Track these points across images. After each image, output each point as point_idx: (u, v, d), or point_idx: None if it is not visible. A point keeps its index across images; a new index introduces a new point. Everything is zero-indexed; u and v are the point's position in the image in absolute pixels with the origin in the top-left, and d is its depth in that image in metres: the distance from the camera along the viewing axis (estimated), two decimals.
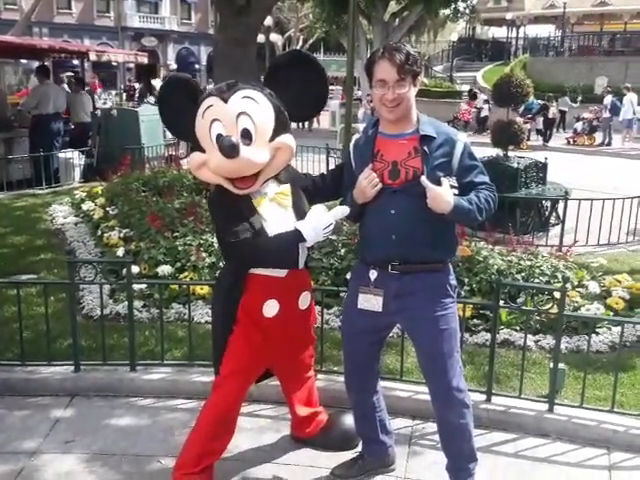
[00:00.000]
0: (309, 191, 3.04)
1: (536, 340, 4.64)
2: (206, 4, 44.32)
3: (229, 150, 2.64)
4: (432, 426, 3.64)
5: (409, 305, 2.83)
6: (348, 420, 3.47)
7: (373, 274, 2.85)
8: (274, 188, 2.89)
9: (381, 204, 2.78)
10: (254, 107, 2.76)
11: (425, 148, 2.74)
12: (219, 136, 2.69)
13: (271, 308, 2.91)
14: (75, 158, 10.70)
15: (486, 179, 2.86)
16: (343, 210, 2.85)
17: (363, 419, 3.21)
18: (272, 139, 2.79)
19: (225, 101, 2.75)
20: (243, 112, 2.72)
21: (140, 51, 23.73)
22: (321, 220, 2.77)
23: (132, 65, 20.25)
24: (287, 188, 2.93)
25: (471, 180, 2.81)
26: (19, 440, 3.52)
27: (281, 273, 2.89)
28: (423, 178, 2.67)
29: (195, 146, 2.88)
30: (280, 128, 2.84)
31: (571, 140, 20.85)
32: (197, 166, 2.85)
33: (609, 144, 20.33)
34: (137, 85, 16.75)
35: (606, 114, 20.60)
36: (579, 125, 21.19)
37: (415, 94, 2.79)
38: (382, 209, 2.78)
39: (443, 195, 2.66)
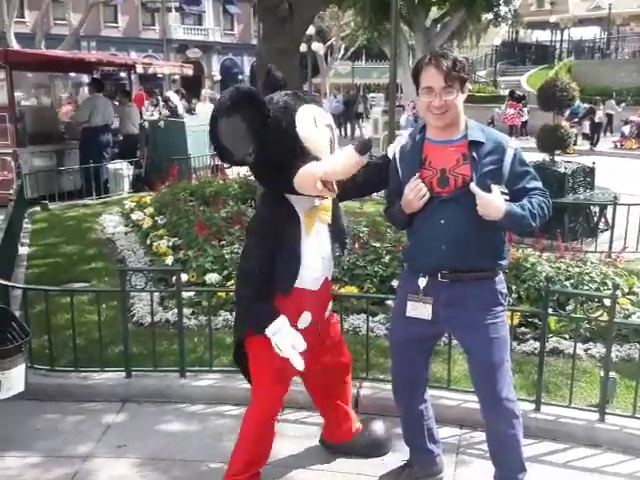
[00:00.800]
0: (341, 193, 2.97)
1: (586, 348, 4.56)
2: (249, 15, 44.85)
3: (368, 147, 2.72)
4: (480, 435, 3.62)
5: (459, 313, 2.81)
6: (378, 427, 3.49)
7: (422, 282, 2.82)
8: (321, 200, 2.89)
9: (430, 213, 2.74)
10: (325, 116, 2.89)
11: (474, 154, 2.70)
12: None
13: (305, 320, 2.92)
14: (124, 169, 10.93)
15: (539, 184, 2.81)
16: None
17: (411, 427, 3.19)
18: None
19: (321, 107, 2.83)
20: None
21: (185, 62, 24.15)
22: (285, 338, 2.75)
23: (177, 77, 20.59)
24: (329, 202, 2.92)
25: (523, 186, 2.76)
26: (73, 444, 3.62)
27: (315, 287, 2.91)
28: (472, 185, 2.65)
29: (273, 166, 2.71)
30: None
31: (618, 144, 20.44)
32: (317, 176, 2.67)
33: None
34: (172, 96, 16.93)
35: None
36: (626, 128, 20.77)
37: (464, 100, 2.76)
38: (431, 218, 2.75)
39: (494, 201, 2.63)
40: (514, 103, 23.27)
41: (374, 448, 3.47)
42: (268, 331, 2.73)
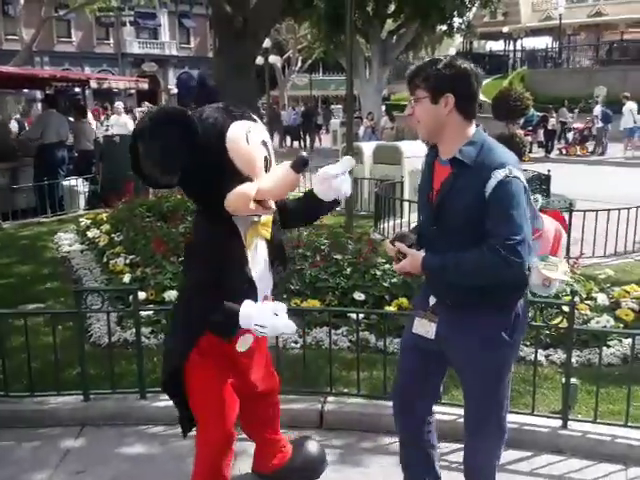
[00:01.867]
0: (281, 215, 2.89)
1: (547, 355, 4.60)
2: (205, 28, 44.72)
3: (304, 164, 2.56)
4: (447, 446, 3.61)
5: (453, 338, 2.63)
6: (310, 446, 3.35)
7: (432, 300, 2.70)
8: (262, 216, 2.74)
9: (429, 240, 2.63)
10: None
11: (452, 177, 2.49)
12: (266, 158, 2.63)
13: (246, 343, 2.77)
14: (79, 185, 10.76)
15: (504, 232, 2.34)
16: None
17: (406, 447, 2.97)
18: None
19: (256, 122, 2.65)
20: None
21: (141, 77, 23.93)
22: (260, 315, 2.53)
23: (133, 91, 20.35)
24: (270, 217, 2.77)
25: (487, 229, 2.39)
26: (30, 472, 3.49)
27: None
28: (387, 242, 2.76)
29: (205, 184, 2.58)
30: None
31: (563, 150, 20.90)
32: (250, 198, 2.53)
33: (602, 153, 20.42)
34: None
35: (599, 124, 20.68)
36: (570, 135, 21.29)
37: (453, 113, 2.48)
38: (429, 245, 2.62)
39: (408, 260, 2.57)
40: None
41: (308, 470, 3.31)
42: (242, 323, 2.53)
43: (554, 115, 21.65)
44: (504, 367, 2.65)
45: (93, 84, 12.02)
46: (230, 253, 2.59)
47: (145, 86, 14.61)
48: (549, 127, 20.78)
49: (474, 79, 2.52)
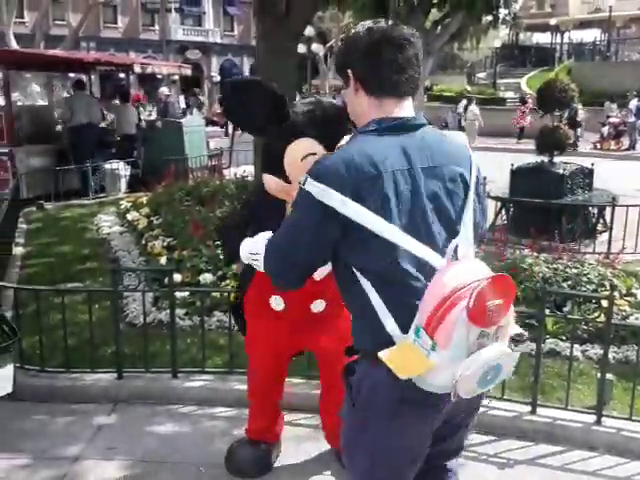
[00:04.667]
0: None
1: (583, 350, 4.52)
2: (248, 16, 44.80)
3: None
4: (476, 437, 3.57)
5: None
6: None
7: None
8: None
9: None
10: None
11: None
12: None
13: (277, 303, 2.92)
14: (121, 169, 10.88)
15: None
16: None
17: None
18: None
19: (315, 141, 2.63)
20: None
21: (184, 63, 24.11)
22: (255, 245, 2.44)
23: (177, 77, 20.54)
24: None
25: None
26: (62, 446, 3.56)
27: None
28: None
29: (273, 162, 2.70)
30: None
31: (598, 145, 20.39)
32: (277, 189, 2.72)
33: (632, 148, 19.93)
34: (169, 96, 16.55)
35: (631, 118, 20.13)
36: (605, 130, 20.73)
37: (360, 93, 1.94)
38: None
39: None
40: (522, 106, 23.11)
41: None
42: (241, 254, 2.57)
43: (581, 108, 20.77)
44: (358, 432, 1.95)
45: (137, 68, 12.11)
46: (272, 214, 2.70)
47: (188, 72, 14.70)
48: (578, 119, 20.16)
49: (374, 44, 1.87)
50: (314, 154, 2.54)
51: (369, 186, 1.74)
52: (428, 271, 1.76)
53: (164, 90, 15.49)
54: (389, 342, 1.76)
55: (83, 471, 3.36)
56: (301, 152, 2.58)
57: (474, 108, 22.11)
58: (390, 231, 1.74)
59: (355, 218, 1.74)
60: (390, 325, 1.77)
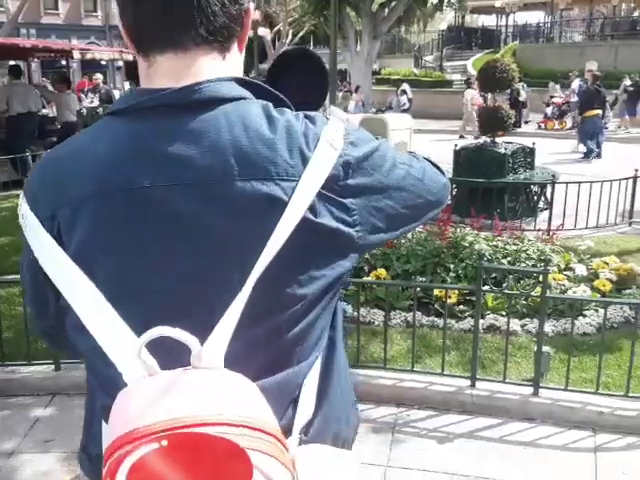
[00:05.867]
0: None
1: (523, 324, 4.60)
2: None
3: None
4: (417, 413, 3.63)
5: None
6: None
7: None
8: None
9: None
10: None
11: None
12: None
13: None
14: None
15: None
16: None
17: None
18: None
19: None
20: None
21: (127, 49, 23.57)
22: None
23: (121, 64, 20.06)
24: None
25: None
26: None
27: None
28: None
29: None
30: None
31: (541, 124, 20.75)
32: None
33: (573, 128, 20.36)
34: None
35: (574, 98, 20.53)
36: (549, 110, 21.12)
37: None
38: None
39: None
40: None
41: None
42: None
43: (523, 88, 21.04)
44: None
45: (76, 54, 11.82)
46: None
47: (130, 57, 14.38)
48: (520, 99, 20.43)
49: None
50: None
51: (70, 213, 0.97)
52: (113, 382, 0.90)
53: (99, 77, 15.14)
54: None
55: (19, 465, 3.28)
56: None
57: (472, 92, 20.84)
58: (82, 301, 0.94)
59: (42, 263, 0.99)
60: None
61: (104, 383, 0.98)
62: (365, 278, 4.98)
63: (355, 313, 4.51)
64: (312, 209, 0.93)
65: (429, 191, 1.10)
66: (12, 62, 12.83)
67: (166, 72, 0.99)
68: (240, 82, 1.01)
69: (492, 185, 7.46)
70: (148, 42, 1.00)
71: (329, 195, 0.95)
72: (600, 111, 14.13)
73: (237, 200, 0.93)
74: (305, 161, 0.95)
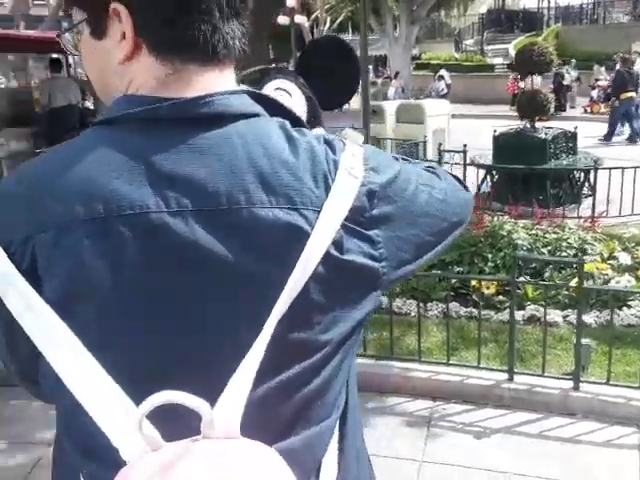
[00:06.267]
0: None
1: (564, 315, 4.47)
2: None
3: None
4: (453, 407, 3.56)
5: None
6: None
7: None
8: None
9: None
10: (286, 100, 2.63)
11: None
12: None
13: None
14: None
15: None
16: None
17: None
18: None
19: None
20: None
21: None
22: None
23: None
24: None
25: None
26: (38, 430, 3.48)
27: None
28: None
29: None
30: (311, 120, 2.70)
31: (587, 108, 20.23)
32: None
33: None
34: None
35: None
36: (594, 93, 20.55)
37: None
38: None
39: None
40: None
41: None
42: None
43: (570, 72, 20.62)
44: None
45: None
46: None
47: None
48: (565, 83, 19.95)
49: None
50: None
51: (52, 238, 0.78)
52: (108, 457, 0.74)
53: None
54: None
55: None
56: None
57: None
58: (62, 357, 0.75)
59: (12, 309, 0.77)
60: None
61: (90, 447, 0.79)
62: None
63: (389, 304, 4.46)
64: (336, 243, 0.82)
65: (453, 212, 1.01)
66: (54, 55, 13.03)
67: (193, 83, 0.85)
68: (253, 96, 0.89)
69: (532, 171, 7.29)
70: (181, 49, 0.85)
71: (355, 228, 0.84)
72: (634, 94, 13.84)
73: (256, 232, 0.79)
74: (328, 190, 0.83)
